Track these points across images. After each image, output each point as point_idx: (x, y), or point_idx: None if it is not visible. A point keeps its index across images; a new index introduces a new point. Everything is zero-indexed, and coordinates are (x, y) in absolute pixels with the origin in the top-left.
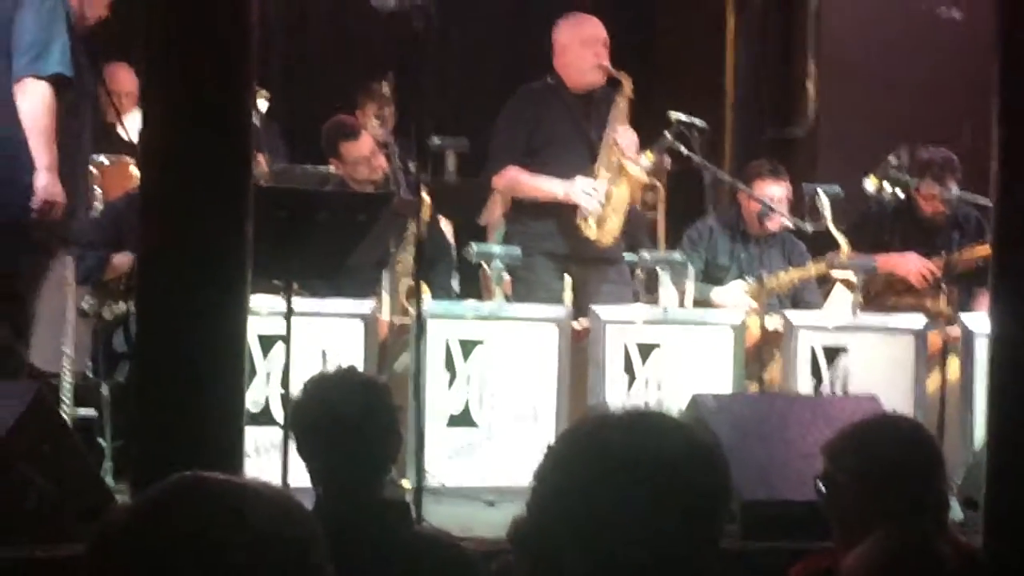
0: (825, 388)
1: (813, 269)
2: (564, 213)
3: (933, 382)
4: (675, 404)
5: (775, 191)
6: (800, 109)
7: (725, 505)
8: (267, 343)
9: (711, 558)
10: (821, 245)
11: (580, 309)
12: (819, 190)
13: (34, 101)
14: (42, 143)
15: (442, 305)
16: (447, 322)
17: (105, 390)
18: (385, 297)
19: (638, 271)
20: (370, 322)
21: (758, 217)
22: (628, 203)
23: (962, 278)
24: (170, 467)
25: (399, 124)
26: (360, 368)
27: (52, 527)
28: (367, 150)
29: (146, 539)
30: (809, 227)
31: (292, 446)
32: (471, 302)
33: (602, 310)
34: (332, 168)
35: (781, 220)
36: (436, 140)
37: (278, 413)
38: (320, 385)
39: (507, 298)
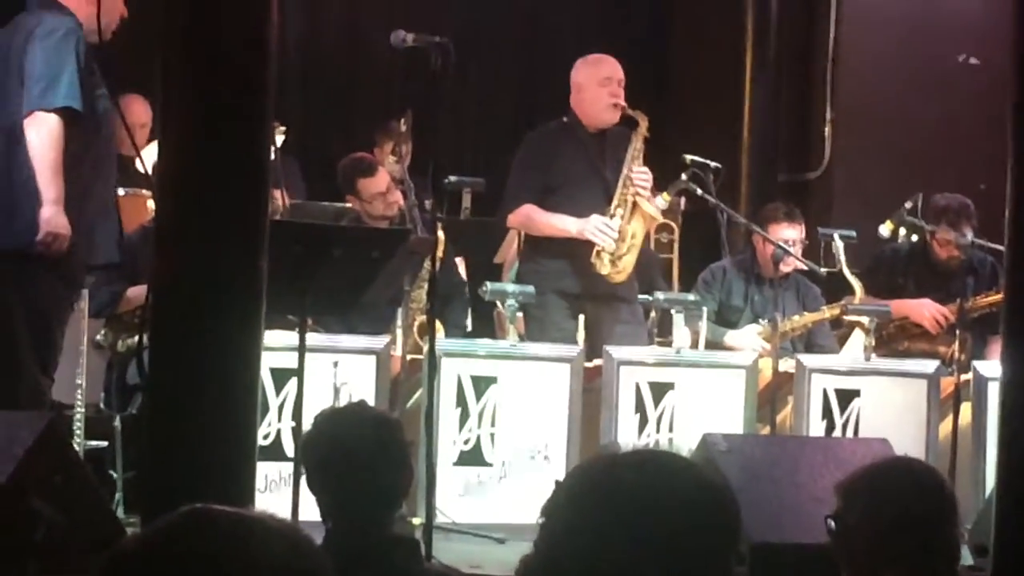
0: (837, 431)
1: (827, 313)
2: (578, 252)
3: (945, 427)
4: (687, 445)
5: (790, 234)
6: (816, 153)
7: (734, 547)
8: (280, 377)
9: None
10: (835, 289)
11: (593, 348)
12: (834, 234)
13: (41, 134)
14: (48, 176)
15: (455, 343)
16: (460, 360)
17: (117, 422)
18: (399, 333)
19: (652, 312)
20: (383, 358)
21: (773, 260)
22: (642, 241)
23: (976, 324)
24: (181, 500)
25: (416, 162)
26: (372, 404)
27: (62, 559)
28: (383, 186)
29: (153, 571)
30: (823, 271)
31: (303, 480)
32: (485, 340)
33: (615, 350)
34: (348, 204)
35: (795, 263)
36: (452, 178)
37: (290, 447)
38: (331, 420)
39: (520, 337)
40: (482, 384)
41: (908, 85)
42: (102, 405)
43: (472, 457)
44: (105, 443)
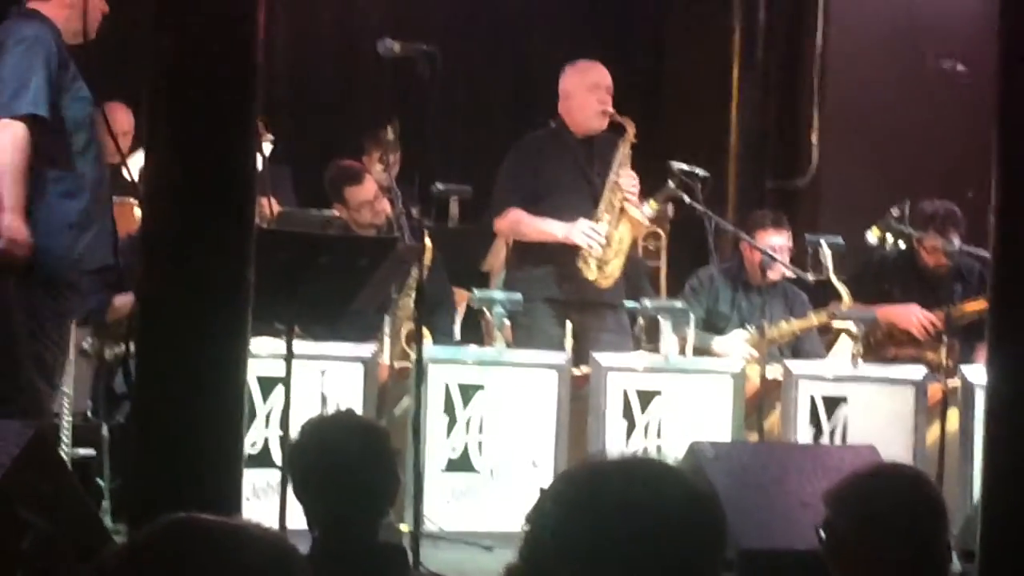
0: (824, 438)
1: (815, 320)
2: (564, 259)
3: (932, 434)
4: (674, 452)
5: (777, 241)
6: (803, 160)
7: (720, 553)
8: (267, 385)
9: None
10: (823, 296)
11: (580, 355)
12: (822, 241)
13: (4, 140)
14: (8, 183)
15: (443, 350)
16: (447, 367)
17: (105, 430)
18: (386, 341)
19: (639, 319)
20: (370, 366)
21: (760, 266)
22: (629, 246)
23: (963, 330)
24: (168, 508)
25: (403, 170)
26: (359, 411)
27: (50, 567)
28: (371, 194)
29: None
30: (811, 277)
31: (290, 488)
32: (472, 347)
33: (603, 357)
34: (336, 212)
35: (782, 270)
36: (440, 186)
37: (277, 455)
38: (318, 428)
39: (508, 344)
40: (469, 391)
41: (895, 92)
42: (89, 414)
43: (460, 464)
44: (93, 451)
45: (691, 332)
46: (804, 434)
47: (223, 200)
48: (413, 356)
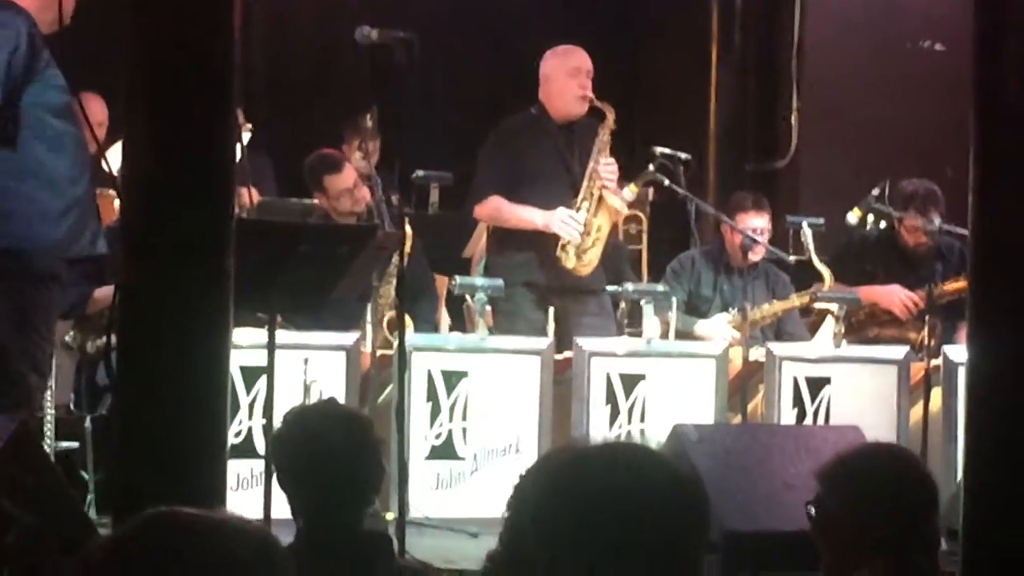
0: (808, 419)
1: (796, 301)
2: (545, 245)
3: (915, 413)
4: (658, 435)
5: (757, 223)
6: (782, 142)
7: (704, 536)
8: (250, 375)
9: None
10: (804, 277)
11: (561, 341)
12: (803, 222)
13: None
14: None
15: (425, 337)
16: (430, 354)
17: (88, 423)
18: (368, 329)
19: (621, 303)
20: (353, 354)
21: (741, 249)
22: (608, 234)
23: (945, 309)
24: (152, 500)
25: (383, 157)
26: (342, 400)
27: (34, 561)
28: (350, 183)
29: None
30: (792, 259)
31: (274, 478)
32: (454, 334)
33: (586, 342)
34: (316, 201)
35: (764, 251)
36: (419, 173)
37: (261, 445)
38: (301, 417)
39: (490, 330)
40: (452, 378)
41: (873, 72)
42: (72, 406)
43: (444, 451)
44: (76, 444)
45: (673, 315)
46: (787, 415)
47: (202, 190)
48: (395, 344)
